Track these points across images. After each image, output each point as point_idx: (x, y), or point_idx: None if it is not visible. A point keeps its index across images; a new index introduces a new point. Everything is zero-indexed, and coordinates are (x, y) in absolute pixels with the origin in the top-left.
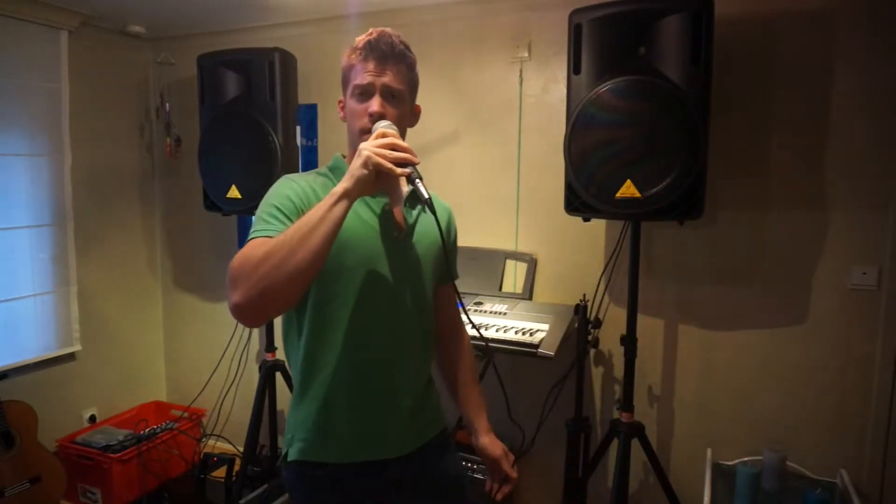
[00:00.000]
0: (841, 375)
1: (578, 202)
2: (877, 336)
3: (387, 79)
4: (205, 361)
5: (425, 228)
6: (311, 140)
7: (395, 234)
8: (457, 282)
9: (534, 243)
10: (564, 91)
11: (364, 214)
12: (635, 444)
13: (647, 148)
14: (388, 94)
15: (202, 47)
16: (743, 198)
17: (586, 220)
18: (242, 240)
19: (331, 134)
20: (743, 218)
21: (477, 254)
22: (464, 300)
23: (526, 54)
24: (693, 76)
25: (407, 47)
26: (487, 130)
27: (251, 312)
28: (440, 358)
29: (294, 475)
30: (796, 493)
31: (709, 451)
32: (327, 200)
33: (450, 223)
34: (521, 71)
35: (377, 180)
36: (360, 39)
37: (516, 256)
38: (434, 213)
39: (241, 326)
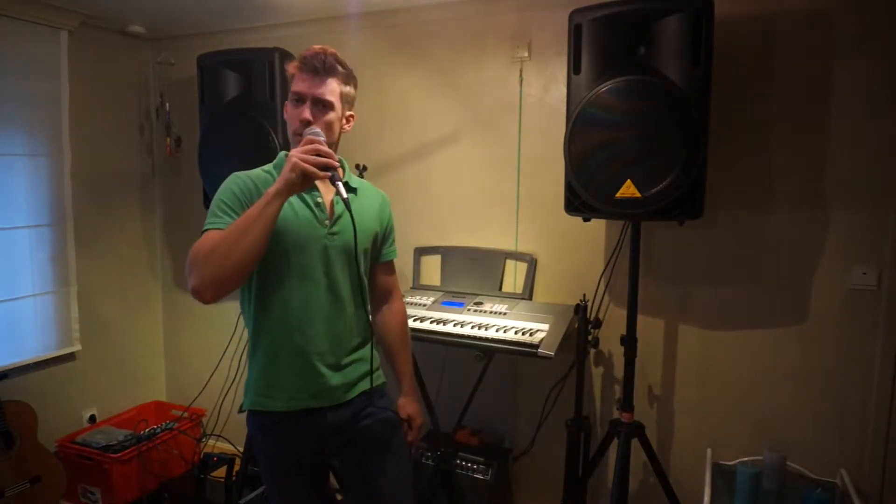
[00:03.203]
0: (841, 375)
1: (578, 202)
2: (877, 336)
3: (316, 91)
4: (205, 361)
5: (357, 213)
6: None
7: (326, 221)
8: (456, 282)
9: (534, 243)
10: (564, 91)
11: (297, 206)
12: (635, 444)
13: (647, 148)
14: (318, 104)
15: (202, 47)
16: (743, 198)
17: (586, 220)
18: None
19: None
20: (743, 218)
21: (477, 254)
22: (464, 300)
23: (526, 54)
24: (693, 76)
25: (341, 64)
26: (487, 130)
27: (206, 294)
28: (376, 325)
29: (250, 422)
30: (796, 493)
31: (709, 451)
32: (262, 200)
33: (382, 210)
34: (521, 71)
35: (304, 181)
36: (302, 54)
37: (516, 256)
38: (350, 211)
39: (241, 326)
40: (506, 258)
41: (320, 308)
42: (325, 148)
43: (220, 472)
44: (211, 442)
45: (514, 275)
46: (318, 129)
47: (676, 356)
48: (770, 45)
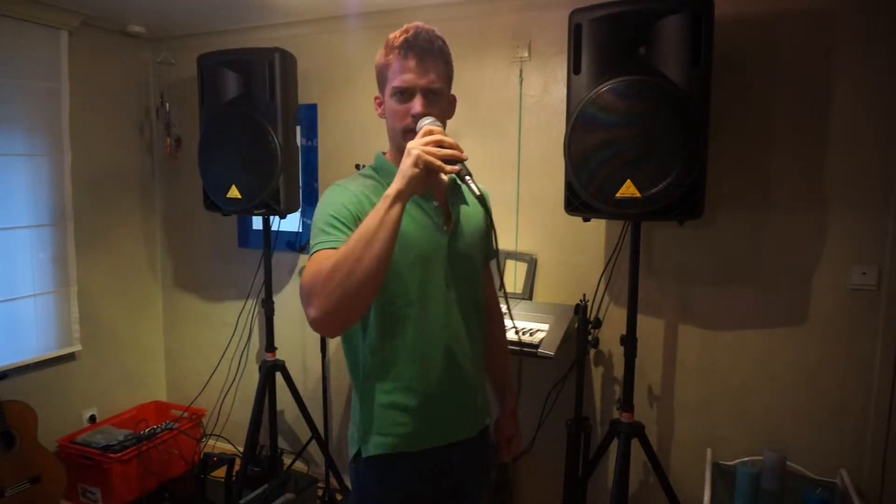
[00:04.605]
0: (841, 375)
1: (578, 202)
2: (877, 336)
3: (426, 79)
4: (205, 361)
5: (467, 217)
6: (311, 140)
7: (445, 227)
8: None
9: (534, 243)
10: (564, 91)
11: (415, 213)
12: (635, 444)
13: (647, 148)
14: (429, 93)
15: (202, 47)
16: (743, 198)
17: (586, 220)
18: (242, 240)
19: (331, 134)
20: (743, 218)
21: None
22: None
23: (526, 54)
24: (693, 76)
25: (444, 42)
26: (487, 130)
27: (331, 324)
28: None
29: (369, 469)
30: (796, 493)
31: (709, 451)
32: (382, 204)
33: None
34: (521, 71)
35: (427, 178)
36: (397, 36)
37: (516, 256)
38: (487, 207)
39: (241, 326)
40: (506, 258)
41: (452, 327)
42: (449, 139)
43: (220, 472)
44: (211, 442)
45: (514, 275)
46: (433, 118)
47: (676, 356)
48: (770, 45)
